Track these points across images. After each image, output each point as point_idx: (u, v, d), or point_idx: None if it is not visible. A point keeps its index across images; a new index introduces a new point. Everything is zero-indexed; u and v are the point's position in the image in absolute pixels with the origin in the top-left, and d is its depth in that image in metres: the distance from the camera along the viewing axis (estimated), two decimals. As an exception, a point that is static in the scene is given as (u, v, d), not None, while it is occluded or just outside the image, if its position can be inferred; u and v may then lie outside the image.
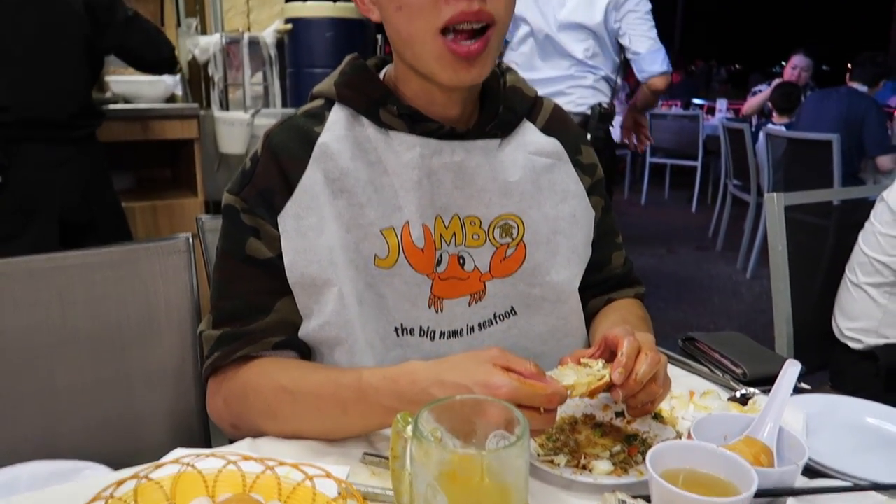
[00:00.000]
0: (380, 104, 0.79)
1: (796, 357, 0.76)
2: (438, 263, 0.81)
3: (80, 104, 1.88)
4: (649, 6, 2.39)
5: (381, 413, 0.67)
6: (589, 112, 2.31)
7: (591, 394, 0.68)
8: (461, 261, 0.82)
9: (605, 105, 2.31)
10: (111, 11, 1.89)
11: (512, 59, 2.47)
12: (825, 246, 1.57)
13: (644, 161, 6.28)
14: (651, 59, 2.37)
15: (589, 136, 2.26)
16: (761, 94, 5.34)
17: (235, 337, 0.78)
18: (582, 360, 0.70)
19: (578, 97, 2.36)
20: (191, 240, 1.02)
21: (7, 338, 0.90)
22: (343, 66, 0.83)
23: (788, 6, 20.27)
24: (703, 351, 0.97)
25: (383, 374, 0.68)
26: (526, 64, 2.44)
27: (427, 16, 0.71)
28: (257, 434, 0.75)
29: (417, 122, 0.79)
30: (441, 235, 0.81)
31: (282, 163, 0.78)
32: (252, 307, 0.78)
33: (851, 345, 1.43)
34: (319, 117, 0.81)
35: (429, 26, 0.71)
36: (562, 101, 2.26)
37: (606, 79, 2.36)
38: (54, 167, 1.84)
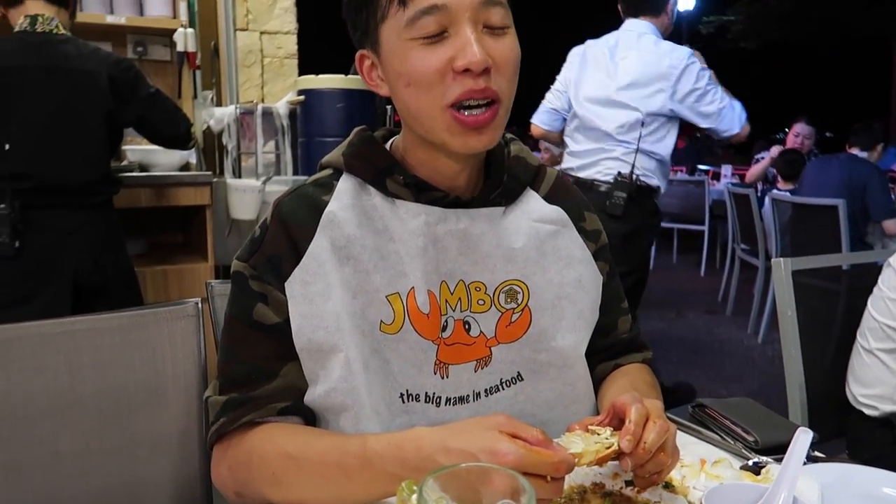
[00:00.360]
0: (386, 174, 0.81)
1: (811, 424, 0.74)
2: (444, 329, 0.81)
3: (98, 173, 1.93)
4: (708, 72, 2.45)
5: (385, 480, 0.66)
6: (612, 181, 2.41)
7: (600, 462, 0.67)
8: (467, 326, 0.82)
9: (623, 174, 2.40)
10: (134, 88, 1.96)
11: (566, 133, 2.62)
12: (836, 311, 1.56)
13: (651, 225, 6.32)
14: (723, 129, 2.48)
15: (609, 203, 2.36)
16: (763, 162, 5.41)
17: (241, 402, 0.78)
18: (590, 428, 0.69)
19: (605, 167, 2.46)
20: (200, 304, 1.03)
21: (14, 402, 0.89)
22: (351, 138, 0.86)
23: (791, 74, 20.76)
24: (714, 418, 0.95)
25: (388, 440, 0.67)
26: (571, 136, 2.58)
27: (435, 93, 0.74)
28: (262, 502, 0.74)
29: (423, 191, 0.81)
30: (447, 301, 0.81)
31: (290, 230, 0.80)
32: (258, 372, 0.79)
33: (867, 412, 1.40)
34: (328, 186, 0.83)
35: (437, 102, 0.74)
36: (591, 171, 2.45)
37: (641, 151, 2.43)
38: (69, 232, 1.88)
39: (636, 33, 2.49)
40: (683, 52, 2.44)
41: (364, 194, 0.82)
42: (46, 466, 0.91)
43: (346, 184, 0.83)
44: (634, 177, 2.39)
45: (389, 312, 0.79)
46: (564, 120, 2.63)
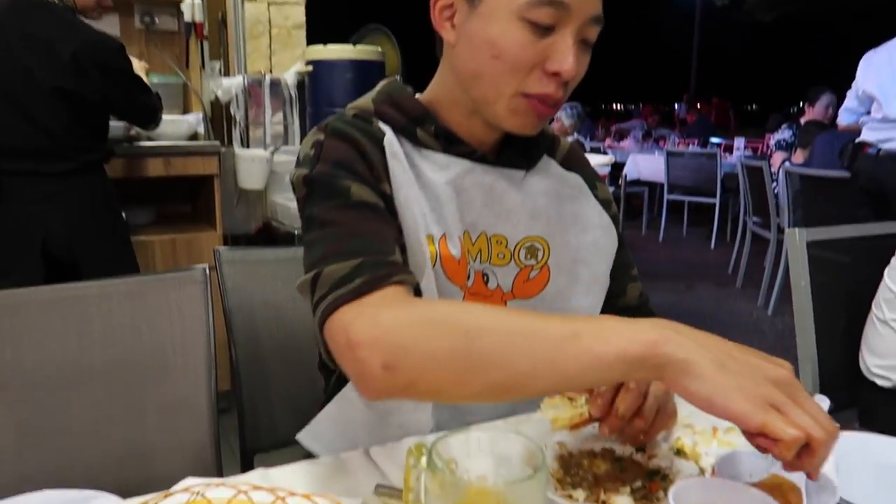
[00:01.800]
0: (418, 123, 0.80)
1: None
2: (467, 278, 0.81)
3: (56, 142, 1.87)
4: None
5: (624, 339, 0.57)
6: None
7: (574, 427, 0.69)
8: (485, 278, 0.83)
9: None
10: (101, 69, 1.88)
11: (871, 115, 3.18)
12: (850, 282, 1.54)
13: (662, 197, 6.26)
14: None
15: None
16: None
17: (379, 264, 0.65)
18: (567, 395, 0.70)
19: None
20: (207, 271, 1.02)
21: (24, 369, 0.89)
22: (381, 87, 0.84)
23: (807, 48, 20.39)
24: (726, 386, 0.94)
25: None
26: (880, 118, 3.11)
27: (517, 76, 0.74)
28: (423, 372, 0.58)
29: (451, 144, 0.81)
30: (468, 251, 0.81)
31: (353, 142, 0.76)
32: (382, 241, 0.69)
33: (880, 382, 1.39)
34: (370, 121, 0.80)
35: (513, 85, 0.74)
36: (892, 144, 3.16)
37: None
38: (38, 201, 1.85)
39: None
40: None
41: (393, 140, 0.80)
42: (57, 432, 0.91)
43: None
44: None
45: (425, 253, 0.77)
46: (860, 114, 3.30)
